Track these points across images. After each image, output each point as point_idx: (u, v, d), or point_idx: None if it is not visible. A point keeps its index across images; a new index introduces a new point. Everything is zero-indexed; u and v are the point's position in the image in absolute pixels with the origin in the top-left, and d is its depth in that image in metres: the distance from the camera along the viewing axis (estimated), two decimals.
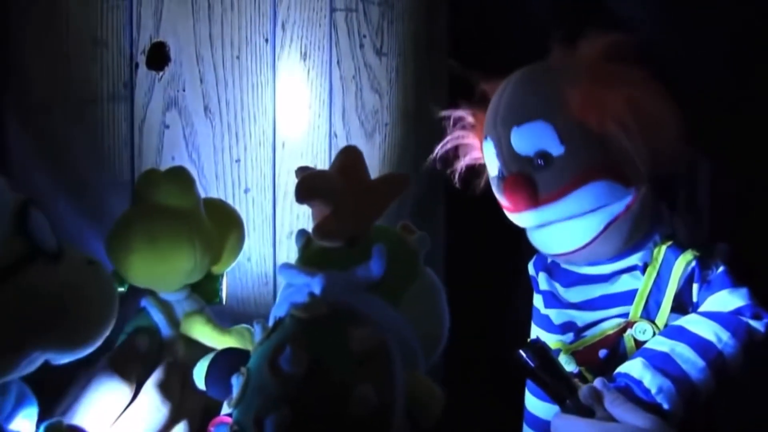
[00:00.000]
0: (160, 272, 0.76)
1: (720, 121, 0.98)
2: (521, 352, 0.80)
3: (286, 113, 1.06)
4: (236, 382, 0.59)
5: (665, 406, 0.76)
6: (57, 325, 0.61)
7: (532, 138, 0.85)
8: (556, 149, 0.83)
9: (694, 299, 0.84)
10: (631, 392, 0.78)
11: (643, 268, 0.87)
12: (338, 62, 1.11)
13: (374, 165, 1.15)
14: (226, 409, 0.72)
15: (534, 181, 0.85)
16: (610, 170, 0.83)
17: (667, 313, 0.84)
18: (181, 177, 0.77)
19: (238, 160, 1.01)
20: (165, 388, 0.68)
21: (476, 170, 0.97)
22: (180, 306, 0.81)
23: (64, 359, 0.65)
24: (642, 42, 0.85)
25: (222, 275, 0.86)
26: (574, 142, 0.83)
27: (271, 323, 0.64)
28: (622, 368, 0.81)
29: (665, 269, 0.85)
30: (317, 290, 0.65)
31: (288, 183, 1.07)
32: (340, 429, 0.56)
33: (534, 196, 0.85)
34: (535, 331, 0.96)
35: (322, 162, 1.10)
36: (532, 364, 0.80)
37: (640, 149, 0.82)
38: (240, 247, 0.86)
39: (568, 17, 1.14)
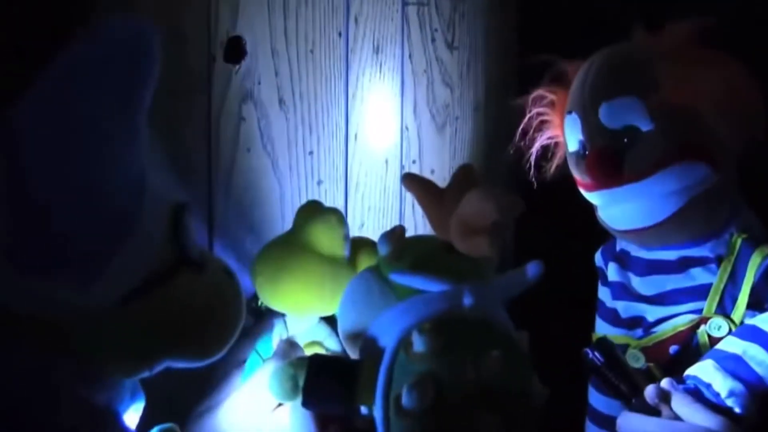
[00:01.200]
0: (292, 308, 0.80)
1: None
2: (588, 350, 0.80)
3: (359, 106, 1.07)
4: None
5: (737, 409, 0.73)
6: (192, 336, 0.61)
7: (623, 113, 0.83)
8: (645, 125, 0.82)
9: None
10: (700, 395, 0.75)
11: (717, 262, 0.84)
12: (410, 56, 1.12)
13: (444, 158, 1.16)
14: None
15: (619, 157, 0.84)
16: (699, 151, 0.82)
17: (743, 309, 0.82)
18: (334, 222, 0.78)
19: (311, 152, 1.02)
20: None
21: (547, 155, 0.96)
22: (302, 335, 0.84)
23: (185, 366, 0.64)
24: (729, 29, 0.84)
25: None
26: (665, 120, 0.82)
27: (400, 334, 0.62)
28: (691, 370, 0.78)
29: (741, 263, 0.83)
30: (468, 302, 0.63)
31: (359, 175, 1.08)
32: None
33: (619, 173, 0.83)
34: (600, 326, 0.94)
35: (393, 156, 1.10)
36: (599, 362, 0.79)
37: (731, 133, 0.81)
38: None
39: (641, 9, 1.13)
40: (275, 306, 0.80)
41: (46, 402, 0.50)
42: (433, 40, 1.15)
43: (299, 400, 0.63)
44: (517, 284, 0.65)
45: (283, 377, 0.63)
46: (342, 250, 0.79)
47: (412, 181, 0.76)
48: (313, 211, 0.80)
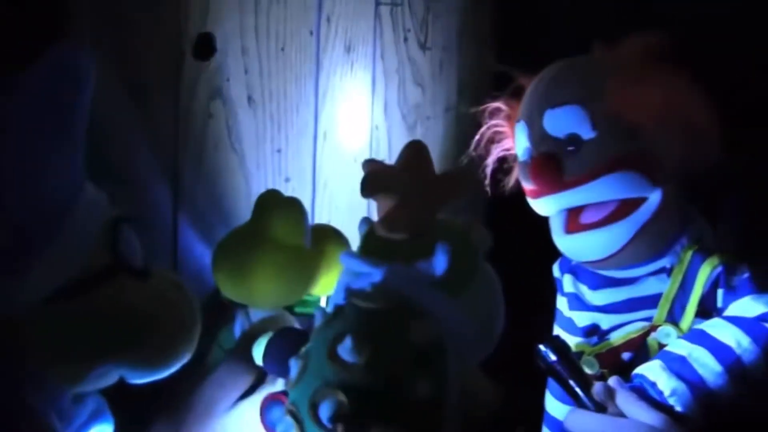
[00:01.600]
0: (255, 299, 0.79)
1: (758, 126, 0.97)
2: (541, 346, 0.82)
3: (329, 105, 1.08)
4: (294, 365, 0.60)
5: (678, 408, 0.76)
6: (133, 342, 0.61)
7: (565, 121, 0.85)
8: (587, 133, 0.84)
9: (719, 304, 0.83)
10: (645, 393, 0.78)
11: (669, 271, 0.86)
12: (382, 56, 1.12)
13: None
14: (280, 386, 0.74)
15: (561, 162, 0.86)
16: (638, 163, 0.83)
17: (691, 317, 0.84)
18: (294, 211, 0.79)
19: (279, 150, 1.03)
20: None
21: (506, 169, 0.98)
22: (268, 324, 0.83)
23: (139, 378, 0.65)
24: (684, 45, 0.85)
25: (317, 300, 0.88)
26: (606, 129, 0.83)
27: (330, 309, 0.65)
28: (639, 369, 0.81)
29: (691, 273, 0.85)
30: (378, 280, 0.66)
31: (328, 174, 1.08)
32: (394, 419, 0.57)
33: (559, 177, 0.85)
34: (558, 334, 0.96)
35: (362, 155, 1.11)
36: (551, 360, 0.81)
37: (671, 147, 0.82)
38: None
39: (613, 14, 1.14)
40: (236, 298, 0.80)
41: None
42: (406, 40, 1.15)
43: None
44: (425, 273, 0.66)
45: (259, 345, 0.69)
46: (302, 239, 0.79)
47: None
48: (271, 200, 0.80)
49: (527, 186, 0.91)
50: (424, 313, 0.62)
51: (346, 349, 0.56)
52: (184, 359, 0.66)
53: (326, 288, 0.85)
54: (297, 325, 0.83)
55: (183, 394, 0.71)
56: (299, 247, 0.79)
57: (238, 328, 0.82)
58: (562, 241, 0.90)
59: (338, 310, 0.62)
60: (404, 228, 0.68)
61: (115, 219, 0.61)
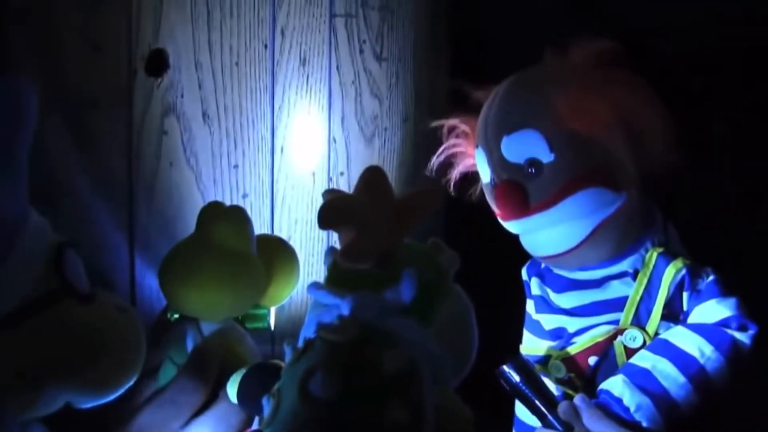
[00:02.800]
0: (203, 309, 0.78)
1: (715, 124, 0.99)
2: (504, 367, 0.82)
3: (285, 119, 1.07)
4: (267, 404, 0.59)
5: (644, 423, 0.77)
6: (80, 366, 0.61)
7: (522, 146, 0.85)
8: (546, 157, 0.83)
9: (685, 307, 0.84)
10: (610, 410, 0.79)
11: (634, 275, 0.87)
12: (338, 68, 1.12)
13: None
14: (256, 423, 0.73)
15: (525, 189, 0.85)
16: (600, 177, 0.83)
17: (657, 320, 0.84)
18: (238, 218, 0.78)
19: (236, 166, 1.01)
20: None
21: (471, 178, 0.97)
22: (220, 336, 0.81)
23: (84, 403, 0.64)
24: (635, 47, 0.86)
25: (268, 311, 0.86)
26: (564, 150, 0.83)
27: (300, 344, 0.64)
28: (604, 385, 0.82)
29: (656, 276, 0.85)
30: (346, 312, 0.65)
31: (286, 188, 1.07)
32: None
33: (525, 205, 0.85)
34: (527, 337, 0.96)
35: (320, 168, 1.10)
36: (514, 380, 0.82)
37: (628, 154, 0.83)
38: (292, 285, 0.86)
39: (567, 22, 1.15)
40: (185, 311, 0.78)
41: None
42: (362, 51, 1.15)
43: None
44: (393, 301, 0.66)
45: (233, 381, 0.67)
46: (249, 246, 0.78)
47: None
48: (213, 210, 0.79)
49: (494, 209, 0.91)
50: (396, 341, 0.61)
51: (317, 385, 0.55)
52: (130, 382, 0.66)
53: (275, 299, 0.84)
54: (249, 339, 0.82)
55: (133, 414, 0.69)
56: (245, 253, 0.77)
57: (189, 342, 0.81)
58: (524, 235, 0.90)
59: (308, 344, 0.60)
60: (366, 257, 0.67)
61: (59, 244, 0.62)
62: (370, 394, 0.56)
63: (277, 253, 0.84)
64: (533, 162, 0.84)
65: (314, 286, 0.68)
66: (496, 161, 0.87)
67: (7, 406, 0.58)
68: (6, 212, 0.56)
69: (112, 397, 0.64)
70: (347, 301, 0.64)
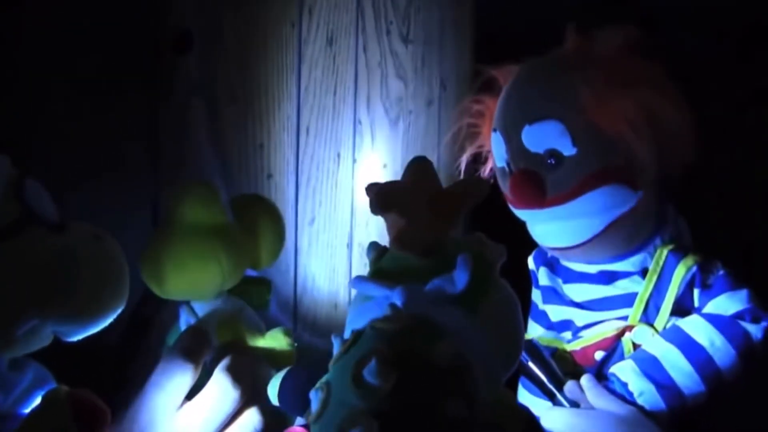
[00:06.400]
0: (190, 290, 0.76)
1: (734, 124, 0.97)
2: None
3: (311, 99, 1.06)
4: (315, 397, 0.57)
5: (646, 408, 0.78)
6: (54, 293, 0.60)
7: (544, 137, 0.83)
8: (567, 150, 0.82)
9: (696, 304, 0.84)
10: (616, 392, 0.80)
11: (643, 273, 0.86)
12: (364, 48, 1.10)
13: (397, 153, 1.15)
14: (299, 420, 0.72)
15: (542, 179, 0.84)
16: (620, 175, 0.82)
17: (666, 317, 0.84)
18: (203, 194, 0.76)
19: (261, 145, 1.00)
20: (235, 372, 0.66)
21: (480, 158, 0.96)
22: (214, 314, 0.80)
23: (71, 334, 0.63)
24: (660, 38, 0.84)
25: (269, 283, 0.84)
26: (587, 145, 0.81)
27: (347, 336, 0.63)
28: (613, 368, 0.82)
29: (666, 273, 0.85)
30: (399, 302, 0.64)
31: (311, 169, 1.06)
32: None
33: (541, 195, 0.84)
34: (532, 327, 0.96)
35: (345, 150, 1.09)
36: (524, 360, 0.83)
37: (650, 154, 0.81)
38: (279, 243, 0.83)
39: (593, 6, 1.13)
40: (173, 296, 0.76)
41: None
42: (388, 32, 1.13)
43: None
44: (445, 289, 0.65)
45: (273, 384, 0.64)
46: (223, 216, 0.76)
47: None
48: (180, 192, 0.76)
49: (507, 195, 0.90)
50: (446, 332, 0.60)
51: (371, 373, 0.54)
52: (114, 310, 0.65)
53: (266, 259, 0.82)
54: (248, 312, 0.81)
55: (125, 404, 0.68)
56: (219, 224, 0.75)
57: (183, 323, 0.79)
58: (533, 224, 0.89)
59: (356, 335, 0.59)
60: (418, 245, 0.66)
61: (18, 174, 0.61)
62: (424, 383, 0.55)
63: (256, 211, 0.81)
64: (553, 153, 0.83)
65: (360, 279, 0.67)
66: (515, 148, 0.86)
67: None
68: None
69: (99, 327, 0.64)
70: (397, 291, 0.62)
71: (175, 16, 0.90)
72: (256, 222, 0.79)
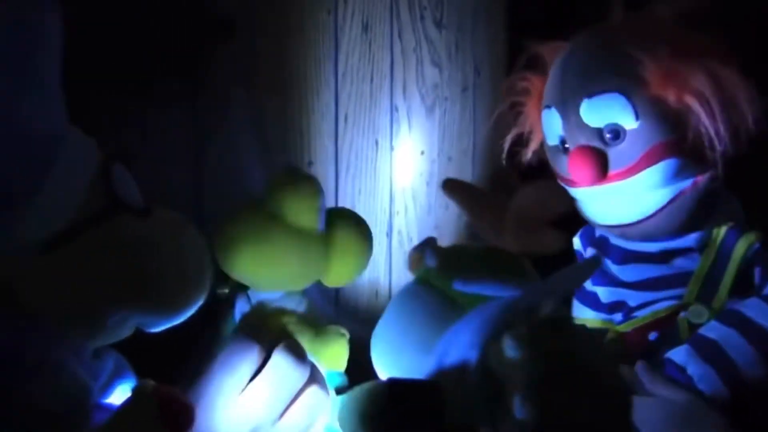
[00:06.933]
0: (259, 279, 0.75)
1: None
2: None
3: (348, 86, 1.05)
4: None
5: (706, 392, 0.75)
6: (143, 283, 0.59)
7: (605, 110, 0.81)
8: (629, 123, 0.80)
9: (757, 283, 0.82)
10: (673, 378, 0.77)
11: (700, 251, 0.84)
12: (399, 34, 1.10)
13: (434, 139, 1.14)
14: None
15: (603, 154, 0.82)
16: (683, 147, 0.80)
17: (724, 296, 0.82)
18: (310, 192, 0.74)
19: (301, 134, 1.00)
20: (296, 353, 0.64)
21: (522, 140, 0.95)
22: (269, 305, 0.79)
23: (155, 325, 0.62)
24: (720, 9, 0.82)
25: None
26: (650, 117, 0.80)
27: (449, 349, 0.59)
28: (669, 354, 0.80)
29: (725, 251, 0.83)
30: (538, 301, 0.59)
31: (350, 157, 1.06)
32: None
33: (602, 171, 0.82)
34: (578, 309, 0.93)
35: (383, 137, 1.09)
36: None
37: (714, 128, 0.79)
38: (359, 269, 0.80)
39: None
40: (237, 277, 0.75)
41: None
42: (422, 18, 1.12)
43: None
44: (577, 279, 0.63)
45: (358, 407, 0.59)
46: (315, 223, 0.74)
47: (453, 188, 0.70)
48: (287, 177, 0.75)
49: (563, 175, 0.88)
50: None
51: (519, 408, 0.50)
52: (197, 300, 0.64)
53: (338, 278, 0.80)
54: (301, 303, 0.80)
55: (190, 382, 0.67)
56: (311, 231, 0.74)
57: (238, 312, 0.79)
58: (589, 201, 0.88)
59: (481, 368, 0.55)
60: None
61: (106, 160, 0.59)
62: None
63: (347, 227, 0.79)
64: (614, 127, 0.81)
65: (463, 280, 0.65)
66: (573, 124, 0.84)
67: (75, 334, 0.57)
68: (37, 129, 0.53)
69: (182, 318, 0.63)
70: (526, 289, 0.60)
71: (217, 6, 0.89)
72: (344, 240, 0.77)
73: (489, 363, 0.55)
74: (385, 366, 0.71)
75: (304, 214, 0.73)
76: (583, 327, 0.62)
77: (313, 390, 0.63)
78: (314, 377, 0.65)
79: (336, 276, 0.79)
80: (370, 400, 0.58)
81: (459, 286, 0.64)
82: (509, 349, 0.53)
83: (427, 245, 0.72)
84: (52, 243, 0.54)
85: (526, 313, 0.58)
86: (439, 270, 0.68)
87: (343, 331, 0.78)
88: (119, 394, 0.62)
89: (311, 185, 0.74)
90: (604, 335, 0.87)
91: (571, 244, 0.96)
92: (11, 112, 0.51)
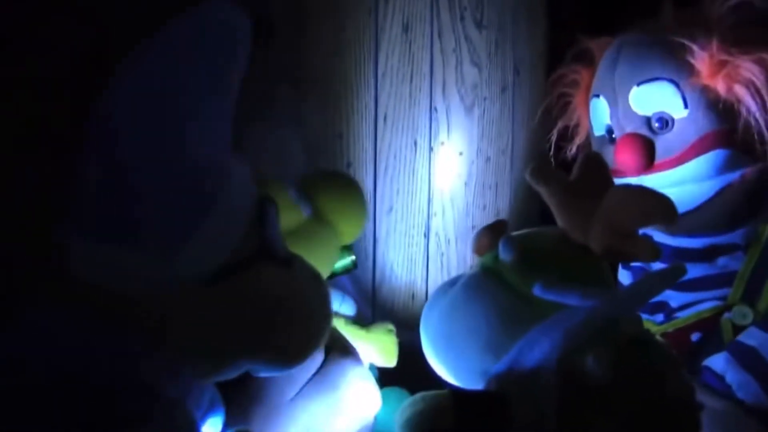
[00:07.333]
0: None
1: None
2: None
3: (388, 87, 1.04)
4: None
5: (746, 400, 0.75)
6: (275, 334, 0.56)
7: (654, 98, 0.81)
8: (678, 112, 0.80)
9: None
10: (713, 386, 0.77)
11: (745, 249, 0.83)
12: (439, 35, 1.09)
13: (473, 140, 1.13)
14: None
15: (651, 143, 0.82)
16: (732, 139, 0.80)
17: None
18: (276, 192, 0.72)
19: (340, 135, 1.00)
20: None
21: (567, 134, 0.95)
22: None
23: (267, 371, 0.60)
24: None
25: (351, 247, 0.82)
26: (699, 106, 0.80)
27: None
28: (707, 361, 0.79)
29: None
30: (621, 312, 0.57)
31: (389, 158, 1.05)
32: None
33: (649, 160, 0.82)
34: None
35: (422, 137, 1.08)
36: None
37: (763, 120, 0.78)
38: (360, 222, 0.81)
39: None
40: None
41: (108, 378, 0.48)
42: (462, 18, 1.11)
43: None
44: (658, 288, 0.61)
45: (421, 420, 0.55)
46: (299, 214, 0.74)
47: (544, 176, 0.67)
48: (330, 175, 0.78)
49: (610, 165, 0.88)
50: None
51: None
52: (315, 351, 0.61)
53: (348, 236, 0.79)
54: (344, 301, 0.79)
55: (249, 384, 0.67)
56: (300, 221, 0.73)
57: None
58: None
59: (558, 380, 0.53)
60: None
61: (262, 198, 0.55)
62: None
63: (329, 192, 0.79)
64: (663, 115, 0.81)
65: (544, 287, 0.60)
66: (621, 112, 0.84)
67: (197, 372, 0.54)
68: (209, 158, 0.49)
69: (294, 367, 0.60)
70: (608, 299, 0.57)
71: (257, 4, 0.89)
72: (339, 202, 0.77)
73: (566, 376, 0.53)
74: (442, 361, 0.67)
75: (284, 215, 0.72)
76: (666, 347, 0.61)
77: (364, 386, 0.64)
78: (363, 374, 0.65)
79: (345, 233, 0.79)
80: (435, 414, 0.55)
81: (539, 293, 0.60)
82: (593, 368, 0.52)
83: (499, 231, 0.67)
84: (204, 281, 0.51)
85: (605, 323, 0.56)
86: (515, 266, 0.63)
87: (390, 326, 0.78)
88: (210, 428, 0.60)
89: (277, 184, 0.74)
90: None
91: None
92: (195, 130, 0.48)
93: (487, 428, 0.54)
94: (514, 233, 0.68)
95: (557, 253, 0.64)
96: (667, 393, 0.53)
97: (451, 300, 0.65)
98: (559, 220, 0.65)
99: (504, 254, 0.64)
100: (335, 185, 0.80)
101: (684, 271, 0.58)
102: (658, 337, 0.84)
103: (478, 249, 0.69)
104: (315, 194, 0.77)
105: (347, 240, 0.78)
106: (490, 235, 0.68)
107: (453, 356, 0.65)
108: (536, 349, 0.56)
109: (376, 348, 0.76)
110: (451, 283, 0.69)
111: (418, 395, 0.58)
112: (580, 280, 0.60)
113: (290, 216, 0.72)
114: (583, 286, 0.59)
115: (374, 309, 1.05)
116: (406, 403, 0.58)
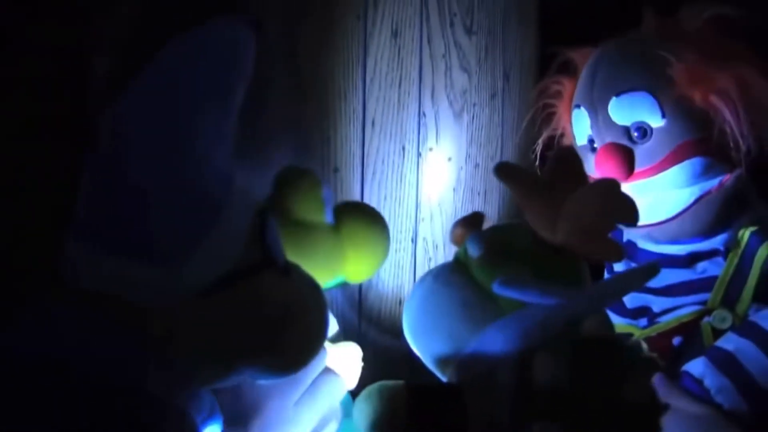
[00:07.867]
0: None
1: None
2: None
3: (376, 91, 1.04)
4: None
5: (724, 405, 0.75)
6: (276, 342, 0.56)
7: (633, 108, 0.84)
8: (656, 121, 0.83)
9: None
10: (691, 391, 0.78)
11: (725, 254, 0.84)
12: (429, 40, 1.09)
13: (462, 146, 1.13)
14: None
15: (630, 152, 0.84)
16: (709, 147, 0.82)
17: (747, 301, 0.82)
18: (309, 187, 0.72)
19: (328, 139, 1.00)
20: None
21: (553, 145, 0.96)
22: None
23: (263, 379, 0.61)
24: (746, 17, 0.83)
25: None
26: (676, 116, 0.82)
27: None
28: (686, 366, 0.80)
29: (748, 256, 0.83)
30: (586, 311, 0.58)
31: (376, 163, 1.05)
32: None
33: (628, 168, 0.84)
34: None
35: (410, 143, 1.08)
36: None
37: (743, 128, 0.80)
38: (376, 261, 0.77)
39: None
40: None
41: (116, 388, 0.49)
42: (452, 24, 1.12)
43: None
44: (630, 286, 0.61)
45: (373, 409, 0.57)
46: (321, 215, 0.72)
47: (508, 173, 0.67)
48: (285, 174, 0.74)
49: (591, 174, 0.88)
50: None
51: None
52: (312, 359, 0.62)
53: (358, 274, 0.77)
54: None
55: (246, 391, 0.67)
56: (321, 224, 0.72)
57: None
58: None
59: (513, 376, 0.54)
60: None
61: (262, 210, 0.57)
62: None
63: (359, 222, 0.76)
64: (641, 125, 0.83)
65: (503, 284, 0.60)
66: (601, 122, 0.86)
67: (199, 381, 0.55)
68: (214, 170, 0.51)
69: (291, 374, 0.61)
70: (573, 298, 0.57)
71: (246, 9, 0.89)
72: (357, 232, 0.75)
73: (523, 372, 0.54)
74: (416, 346, 0.69)
75: (309, 208, 0.72)
76: (632, 347, 0.61)
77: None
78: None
79: (355, 271, 0.76)
80: (387, 404, 0.57)
81: (497, 290, 0.60)
82: (540, 369, 0.52)
83: (474, 224, 0.69)
84: (210, 288, 0.52)
85: (571, 320, 0.57)
86: (481, 262, 0.64)
87: (357, 347, 0.77)
88: None
89: (310, 178, 0.73)
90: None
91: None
92: (203, 142, 0.49)
93: (440, 421, 0.55)
94: (491, 226, 0.69)
95: (528, 251, 0.64)
96: (624, 396, 0.53)
97: (425, 288, 0.68)
98: (526, 217, 0.65)
99: (471, 250, 0.65)
100: (369, 223, 0.78)
101: (657, 271, 0.59)
102: (641, 341, 0.85)
103: (454, 240, 0.71)
104: (343, 222, 0.75)
105: (352, 279, 0.78)
106: (466, 227, 0.70)
107: (424, 343, 0.67)
108: (494, 345, 0.57)
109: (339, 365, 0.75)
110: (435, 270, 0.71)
111: (375, 385, 0.60)
112: (551, 279, 0.60)
113: (312, 210, 0.72)
114: (545, 285, 0.59)
115: (361, 315, 1.04)
116: (362, 394, 0.60)
